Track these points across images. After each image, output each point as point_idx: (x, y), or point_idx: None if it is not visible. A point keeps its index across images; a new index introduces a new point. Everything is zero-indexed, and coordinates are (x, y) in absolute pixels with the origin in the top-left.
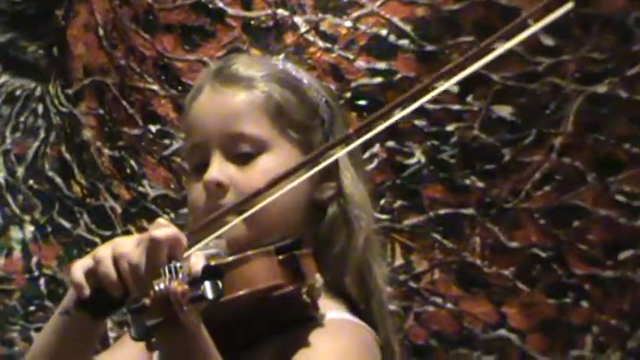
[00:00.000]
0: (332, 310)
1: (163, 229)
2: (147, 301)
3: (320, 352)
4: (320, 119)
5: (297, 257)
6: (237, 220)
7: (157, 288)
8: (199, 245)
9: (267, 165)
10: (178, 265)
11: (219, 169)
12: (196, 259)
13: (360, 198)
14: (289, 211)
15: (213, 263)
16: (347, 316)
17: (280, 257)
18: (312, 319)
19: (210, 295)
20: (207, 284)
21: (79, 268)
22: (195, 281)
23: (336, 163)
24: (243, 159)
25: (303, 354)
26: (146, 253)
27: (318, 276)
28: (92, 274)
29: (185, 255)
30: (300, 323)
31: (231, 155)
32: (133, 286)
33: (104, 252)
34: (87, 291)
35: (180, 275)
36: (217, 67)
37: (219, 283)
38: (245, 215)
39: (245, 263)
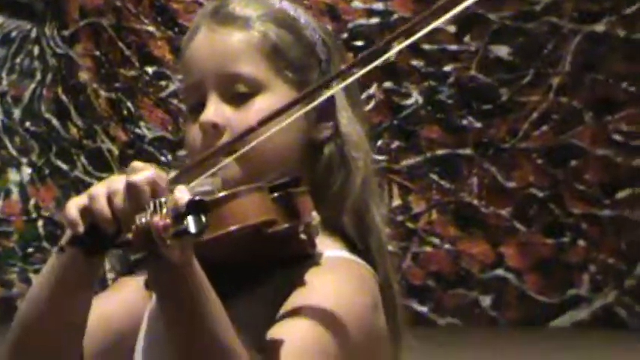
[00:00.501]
0: (330, 248)
1: (140, 172)
2: (130, 235)
3: (317, 289)
4: (317, 59)
5: (293, 195)
6: (228, 159)
7: (138, 222)
8: (193, 184)
9: (263, 105)
10: (163, 200)
11: (214, 110)
12: (181, 194)
13: (358, 138)
14: (284, 149)
15: (198, 197)
16: (345, 253)
17: (275, 195)
18: (309, 257)
19: (192, 228)
20: (189, 218)
21: (74, 205)
22: (178, 215)
23: (332, 102)
24: (239, 100)
25: (300, 291)
26: (127, 198)
27: (314, 214)
28: (87, 211)
29: (173, 191)
30: (298, 261)
31: (227, 96)
32: (124, 222)
33: (99, 189)
34: (81, 227)
35: (165, 210)
36: (213, 6)
37: (203, 217)
38: (237, 154)
39: (235, 199)
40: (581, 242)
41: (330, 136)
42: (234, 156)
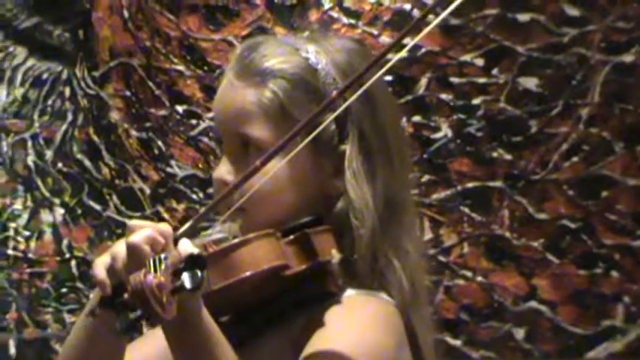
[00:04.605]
0: (352, 286)
1: (138, 232)
2: (125, 295)
3: (338, 332)
4: (332, 110)
5: (309, 235)
6: (237, 204)
7: (132, 281)
8: (209, 231)
9: (273, 168)
10: (163, 256)
11: (227, 167)
12: (183, 248)
13: (360, 204)
14: (294, 196)
15: (197, 252)
16: (366, 291)
17: (291, 237)
18: (331, 295)
19: (188, 284)
20: (185, 274)
21: (101, 265)
22: (176, 272)
23: (341, 160)
24: (250, 160)
25: (321, 334)
26: (128, 258)
27: (334, 252)
28: (112, 270)
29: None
30: (319, 300)
31: (240, 154)
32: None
33: (119, 247)
34: (109, 289)
35: (163, 266)
36: (241, 51)
37: (199, 272)
38: (244, 198)
39: (242, 247)
40: (615, 273)
41: (342, 193)
42: (242, 200)
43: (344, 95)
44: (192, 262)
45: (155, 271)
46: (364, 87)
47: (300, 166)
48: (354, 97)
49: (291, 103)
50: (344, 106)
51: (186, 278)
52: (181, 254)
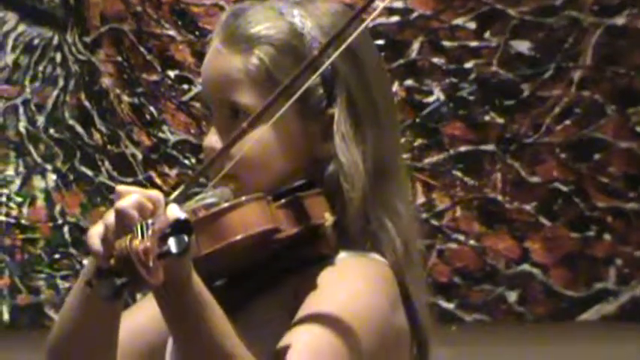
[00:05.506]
0: (345, 248)
1: (126, 198)
2: (112, 261)
3: (331, 293)
4: (320, 75)
5: (301, 198)
6: (226, 168)
7: (117, 247)
8: (199, 196)
9: (261, 135)
10: (150, 222)
11: (216, 136)
12: (170, 213)
13: (349, 167)
14: (283, 160)
15: (183, 217)
16: (359, 252)
17: (282, 201)
18: (324, 258)
19: (174, 249)
20: (171, 239)
21: (95, 234)
22: (162, 237)
23: (330, 124)
24: (239, 127)
25: (314, 296)
26: (116, 224)
27: (327, 215)
28: (106, 239)
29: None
30: (312, 263)
31: (229, 121)
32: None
33: (111, 215)
34: (105, 258)
35: (150, 232)
36: (226, 18)
37: (185, 237)
38: (233, 162)
39: (232, 211)
40: (607, 236)
41: (332, 156)
42: (229, 165)
43: (329, 55)
44: (179, 227)
45: (142, 236)
46: (347, 42)
47: (288, 130)
48: (337, 53)
49: (278, 68)
50: (327, 63)
51: (172, 243)
52: (168, 219)
